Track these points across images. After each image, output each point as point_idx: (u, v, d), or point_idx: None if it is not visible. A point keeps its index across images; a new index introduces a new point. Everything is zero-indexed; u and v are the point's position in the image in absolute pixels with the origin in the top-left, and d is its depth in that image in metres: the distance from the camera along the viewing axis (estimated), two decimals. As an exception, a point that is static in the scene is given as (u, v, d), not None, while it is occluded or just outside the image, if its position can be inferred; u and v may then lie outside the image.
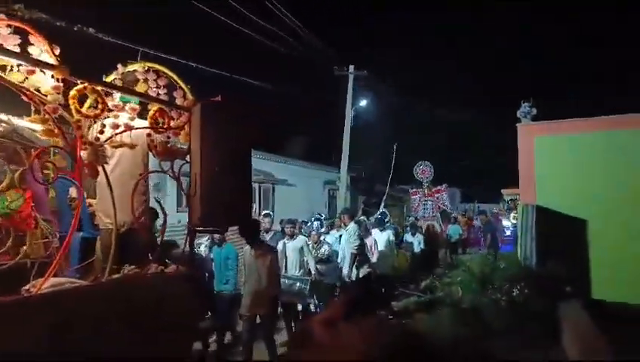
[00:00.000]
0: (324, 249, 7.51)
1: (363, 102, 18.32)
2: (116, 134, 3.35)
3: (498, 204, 23.60)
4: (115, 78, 3.68)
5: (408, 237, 10.53)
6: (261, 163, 15.64)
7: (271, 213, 9.30)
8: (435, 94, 30.03)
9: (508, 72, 41.65)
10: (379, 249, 8.56)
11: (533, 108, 8.52)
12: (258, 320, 5.56)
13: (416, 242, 10.39)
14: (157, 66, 3.84)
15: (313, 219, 8.62)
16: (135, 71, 3.77)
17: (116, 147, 3.50)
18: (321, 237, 7.93)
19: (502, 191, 20.75)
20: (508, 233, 16.87)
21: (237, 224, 4.78)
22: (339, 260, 7.87)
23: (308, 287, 6.67)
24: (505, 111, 9.41)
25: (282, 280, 6.41)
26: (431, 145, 29.66)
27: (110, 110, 3.36)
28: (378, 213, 10.82)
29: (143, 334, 2.75)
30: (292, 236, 7.20)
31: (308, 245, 7.17)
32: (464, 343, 5.00)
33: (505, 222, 18.21)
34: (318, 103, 20.95)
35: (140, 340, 2.74)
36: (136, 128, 3.56)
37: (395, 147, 16.18)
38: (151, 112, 3.69)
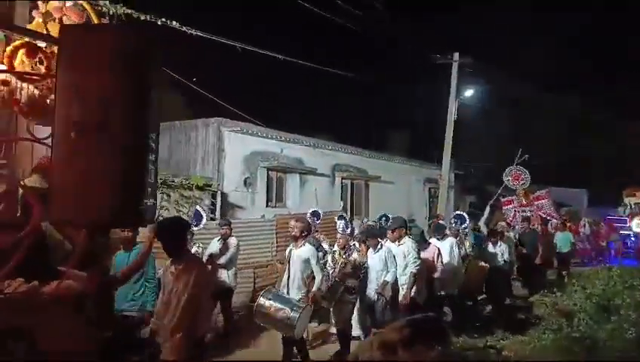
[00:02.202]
0: (355, 257, 5.84)
1: (469, 92, 16.67)
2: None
3: (615, 209, 19.49)
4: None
5: (489, 247, 8.40)
6: (353, 158, 15.07)
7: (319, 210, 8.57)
8: (550, 81, 26.48)
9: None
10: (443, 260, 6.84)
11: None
12: None
13: (499, 252, 8.27)
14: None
15: (337, 218, 6.84)
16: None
17: None
18: (351, 243, 6.25)
19: (624, 192, 17.09)
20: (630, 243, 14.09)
21: (106, 218, 2.76)
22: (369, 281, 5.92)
23: (298, 316, 4.80)
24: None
25: (268, 302, 4.92)
26: (549, 139, 26.36)
27: None
28: (454, 217, 8.53)
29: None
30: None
31: (319, 256, 5.48)
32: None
33: (623, 231, 15.17)
34: (421, 94, 19.72)
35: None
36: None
37: (519, 152, 13.52)
38: (9, 49, 2.54)
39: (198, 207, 7.46)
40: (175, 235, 3.53)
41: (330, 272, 5.80)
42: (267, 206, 12.11)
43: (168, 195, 9.58)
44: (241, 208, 11.31)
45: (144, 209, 2.13)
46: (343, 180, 14.56)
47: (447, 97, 15.41)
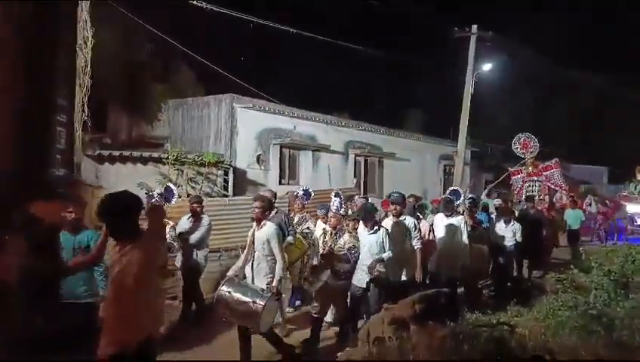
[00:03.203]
0: (344, 240, 5.24)
1: (488, 67, 16.19)
2: None
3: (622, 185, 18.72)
4: None
5: (500, 227, 7.80)
6: (366, 135, 14.88)
7: (311, 190, 7.98)
8: (574, 57, 25.52)
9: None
10: (440, 239, 6.39)
11: None
12: None
13: (510, 233, 7.72)
14: None
15: (333, 194, 5.91)
16: None
17: None
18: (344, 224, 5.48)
19: (637, 169, 16.33)
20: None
21: None
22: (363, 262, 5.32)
23: (261, 309, 4.27)
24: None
25: (229, 292, 4.41)
26: (571, 115, 25.67)
27: None
28: (449, 193, 7.66)
29: None
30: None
31: (280, 235, 4.83)
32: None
33: (632, 208, 14.63)
34: (437, 69, 19.29)
35: None
36: None
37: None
38: None
39: (169, 183, 6.83)
40: (122, 215, 2.92)
41: (319, 253, 5.33)
42: (280, 183, 12.08)
43: (181, 171, 9.60)
44: (253, 185, 11.31)
45: (51, 179, 1.81)
46: (357, 157, 14.42)
47: (465, 73, 15.02)
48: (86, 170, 7.82)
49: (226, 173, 10.53)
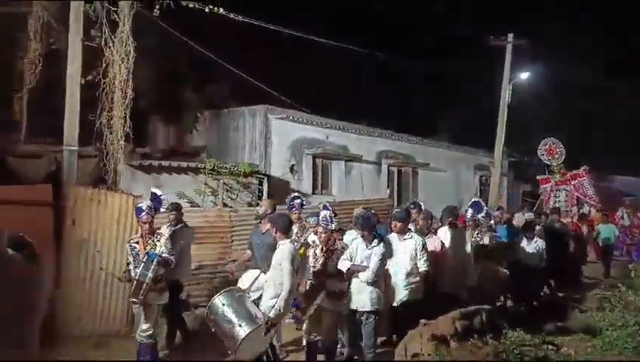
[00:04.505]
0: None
1: (524, 75, 15.79)
2: None
3: None
4: None
5: (523, 243, 7.18)
6: (400, 145, 14.75)
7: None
8: (612, 66, 24.39)
9: None
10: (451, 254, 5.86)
11: None
12: None
13: (532, 250, 7.08)
14: None
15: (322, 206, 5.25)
16: None
17: None
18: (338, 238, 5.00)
19: None
20: None
21: None
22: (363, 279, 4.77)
23: (243, 337, 3.83)
24: None
25: (222, 306, 4.01)
26: (612, 126, 24.66)
27: None
28: (470, 206, 6.85)
29: None
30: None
31: (295, 258, 4.28)
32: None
33: None
34: (472, 78, 18.97)
35: None
36: None
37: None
38: None
39: (153, 189, 5.68)
40: None
41: (310, 272, 4.76)
42: (313, 193, 12.11)
43: (217, 180, 9.78)
44: (288, 194, 11.35)
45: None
46: (390, 167, 14.30)
47: (501, 81, 14.70)
48: (127, 178, 8.07)
49: (261, 183, 10.64)
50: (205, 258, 7.41)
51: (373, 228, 4.99)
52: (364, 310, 4.76)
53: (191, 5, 7.55)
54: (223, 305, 4.03)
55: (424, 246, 5.41)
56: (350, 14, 21.07)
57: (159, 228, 5.19)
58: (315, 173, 12.38)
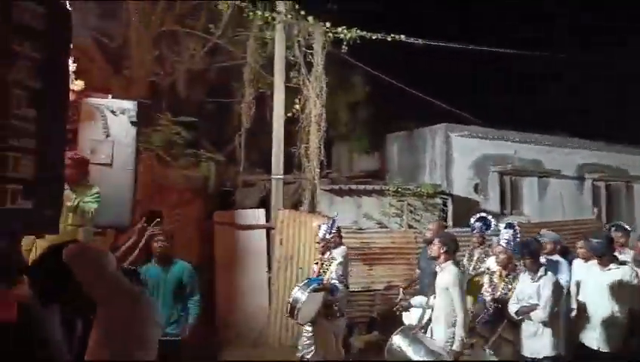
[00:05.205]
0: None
1: None
2: None
3: None
4: None
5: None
6: (605, 156, 12.71)
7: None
8: None
9: None
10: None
11: None
12: None
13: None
14: None
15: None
16: None
17: None
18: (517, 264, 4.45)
19: None
20: None
21: None
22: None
23: None
24: None
25: (402, 349, 3.87)
26: None
27: None
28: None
29: None
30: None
31: (463, 281, 4.13)
32: None
33: None
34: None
35: None
36: None
37: None
38: None
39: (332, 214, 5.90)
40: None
41: (488, 300, 4.32)
42: (501, 213, 11.29)
43: (402, 201, 9.93)
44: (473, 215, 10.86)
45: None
46: (595, 182, 12.43)
47: None
48: (321, 202, 8.83)
49: (444, 204, 10.41)
50: (393, 279, 7.61)
51: (536, 255, 4.26)
52: (542, 356, 4.06)
53: (374, 37, 7.95)
54: (400, 348, 3.95)
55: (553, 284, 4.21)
56: (524, 20, 19.41)
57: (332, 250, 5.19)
58: (502, 191, 11.55)
